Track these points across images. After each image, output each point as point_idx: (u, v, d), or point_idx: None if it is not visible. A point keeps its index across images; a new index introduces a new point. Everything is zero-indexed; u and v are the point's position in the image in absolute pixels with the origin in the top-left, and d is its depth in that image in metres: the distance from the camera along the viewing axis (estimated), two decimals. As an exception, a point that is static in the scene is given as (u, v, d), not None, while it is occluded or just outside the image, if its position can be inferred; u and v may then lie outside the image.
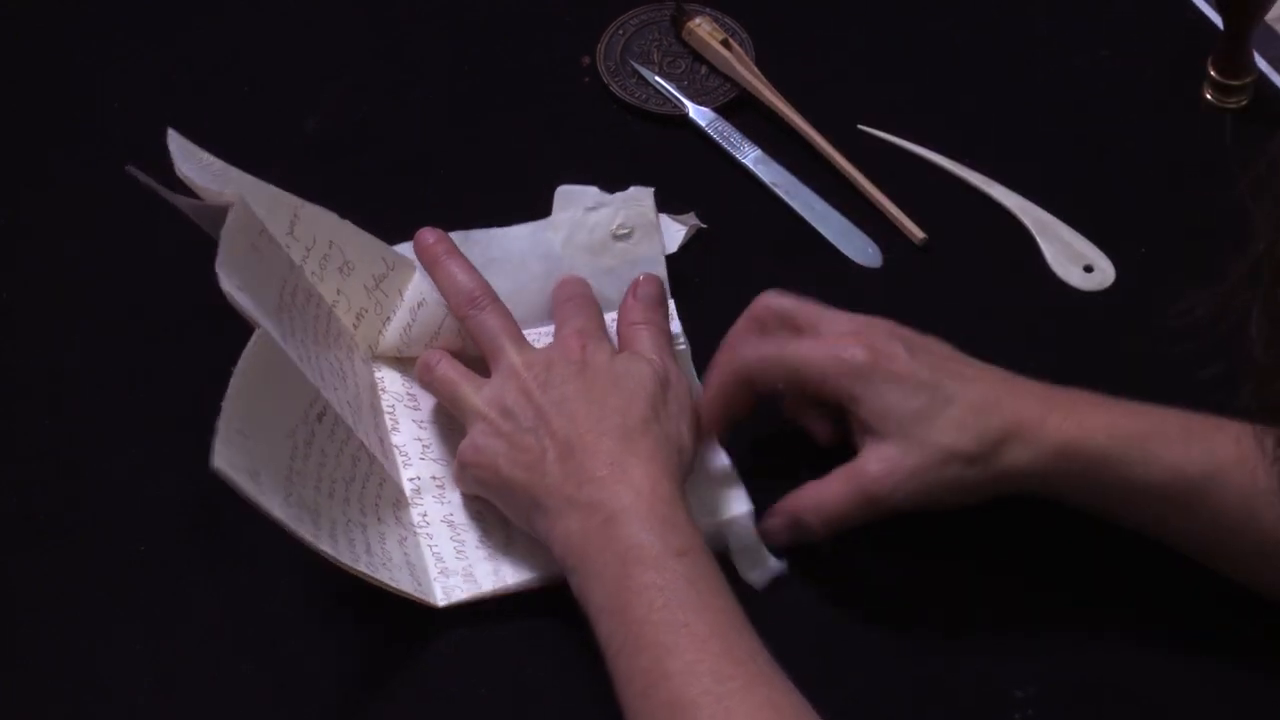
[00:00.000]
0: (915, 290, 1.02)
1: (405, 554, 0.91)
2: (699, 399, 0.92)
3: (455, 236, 0.98)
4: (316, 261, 0.96)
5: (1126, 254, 1.03)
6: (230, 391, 0.82)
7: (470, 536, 0.93)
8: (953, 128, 1.09)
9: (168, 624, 0.91)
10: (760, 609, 0.83)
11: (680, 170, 1.08)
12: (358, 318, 0.98)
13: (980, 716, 0.87)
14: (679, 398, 0.90)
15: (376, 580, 0.87)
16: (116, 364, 1.01)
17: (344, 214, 0.97)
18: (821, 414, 0.92)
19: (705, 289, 1.02)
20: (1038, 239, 1.04)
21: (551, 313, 0.97)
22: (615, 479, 0.85)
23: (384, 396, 0.98)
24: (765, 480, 0.92)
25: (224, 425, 0.81)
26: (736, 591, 0.84)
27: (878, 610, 0.90)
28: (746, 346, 0.91)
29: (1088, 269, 1.03)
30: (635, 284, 0.96)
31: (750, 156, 1.08)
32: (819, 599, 0.90)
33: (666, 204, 1.03)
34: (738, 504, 0.92)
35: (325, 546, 0.85)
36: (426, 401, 0.97)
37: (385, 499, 0.92)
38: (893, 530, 0.88)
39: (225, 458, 0.80)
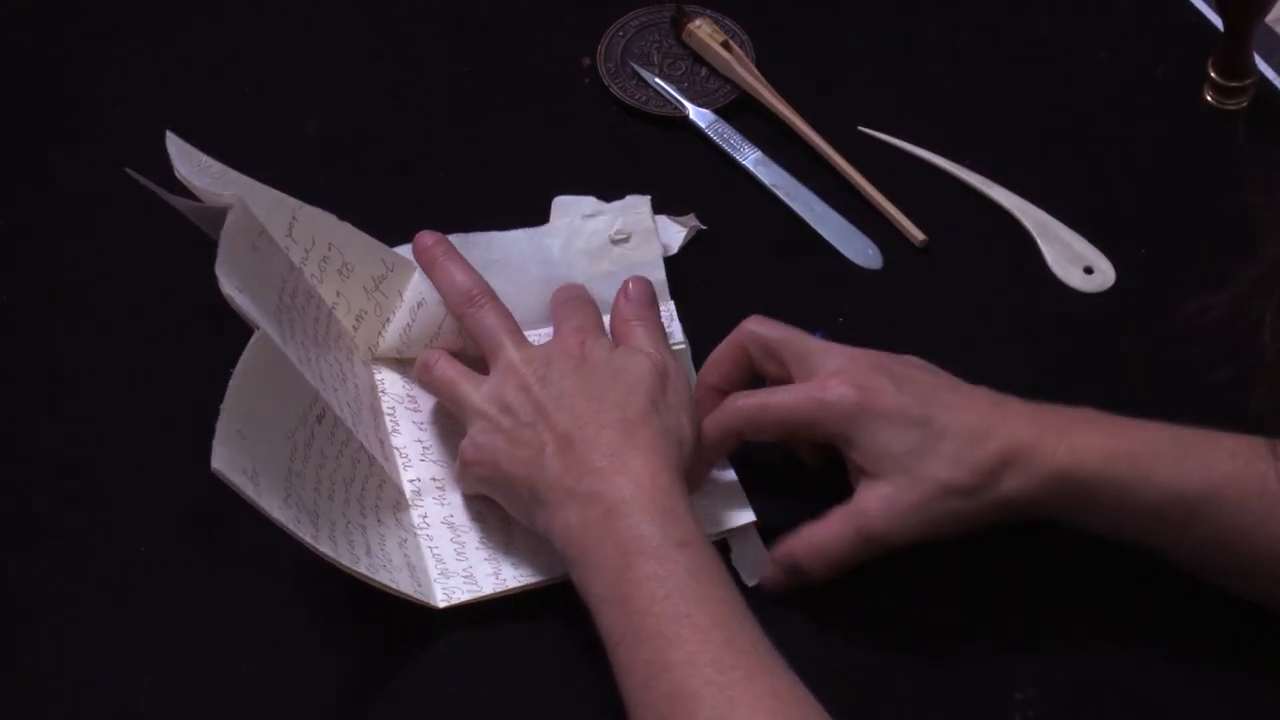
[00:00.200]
0: (915, 291, 1.02)
1: (405, 555, 0.91)
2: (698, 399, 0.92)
3: (454, 239, 0.98)
4: (316, 263, 0.96)
5: (1126, 255, 1.03)
6: (230, 393, 0.82)
7: (470, 538, 0.93)
8: (953, 129, 1.09)
9: (168, 624, 0.91)
10: (761, 609, 0.83)
11: (680, 172, 1.08)
12: (357, 319, 0.98)
13: (980, 717, 0.87)
14: (678, 390, 0.90)
15: (376, 582, 0.87)
16: (116, 364, 1.01)
17: (344, 215, 0.97)
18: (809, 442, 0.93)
19: (705, 290, 1.01)
20: (1038, 240, 1.04)
21: (550, 315, 0.97)
22: (615, 470, 0.85)
23: (384, 398, 0.98)
24: (767, 491, 0.93)
25: (223, 426, 0.81)
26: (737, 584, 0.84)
27: (878, 611, 0.90)
28: (734, 400, 0.91)
29: (1088, 270, 1.03)
30: (624, 286, 0.96)
31: (750, 158, 1.08)
32: (819, 599, 0.90)
33: (666, 205, 1.03)
34: (741, 515, 0.92)
35: (325, 548, 0.85)
36: (427, 403, 0.97)
37: (385, 500, 0.92)
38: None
39: (224, 459, 0.80)
